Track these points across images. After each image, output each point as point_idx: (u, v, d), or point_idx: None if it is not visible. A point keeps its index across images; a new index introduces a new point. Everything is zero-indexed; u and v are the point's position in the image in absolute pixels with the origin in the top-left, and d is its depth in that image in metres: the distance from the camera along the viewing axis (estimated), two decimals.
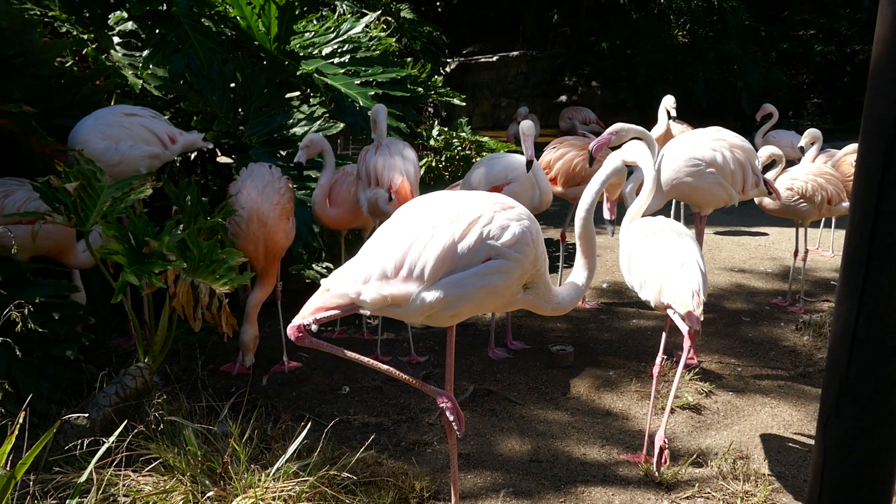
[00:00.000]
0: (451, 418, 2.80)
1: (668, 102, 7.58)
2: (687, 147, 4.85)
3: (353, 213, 5.02)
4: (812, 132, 6.91)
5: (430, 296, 2.62)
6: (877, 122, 1.82)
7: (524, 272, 2.76)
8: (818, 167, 6.03)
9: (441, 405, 2.81)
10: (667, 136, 7.60)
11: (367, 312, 2.75)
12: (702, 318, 3.57)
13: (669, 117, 7.62)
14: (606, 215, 4.11)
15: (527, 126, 4.82)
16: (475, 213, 2.67)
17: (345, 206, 5.01)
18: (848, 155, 6.78)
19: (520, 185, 4.91)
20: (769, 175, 5.55)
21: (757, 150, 5.34)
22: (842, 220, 7.29)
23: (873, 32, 1.85)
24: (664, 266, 3.71)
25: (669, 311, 3.69)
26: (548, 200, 4.99)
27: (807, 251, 6.04)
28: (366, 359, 2.78)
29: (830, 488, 1.79)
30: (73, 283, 4.43)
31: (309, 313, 2.69)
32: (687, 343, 3.60)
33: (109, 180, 4.04)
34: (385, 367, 2.83)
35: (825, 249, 7.73)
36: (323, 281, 2.75)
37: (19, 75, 4.52)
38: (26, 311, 2.76)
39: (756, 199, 5.82)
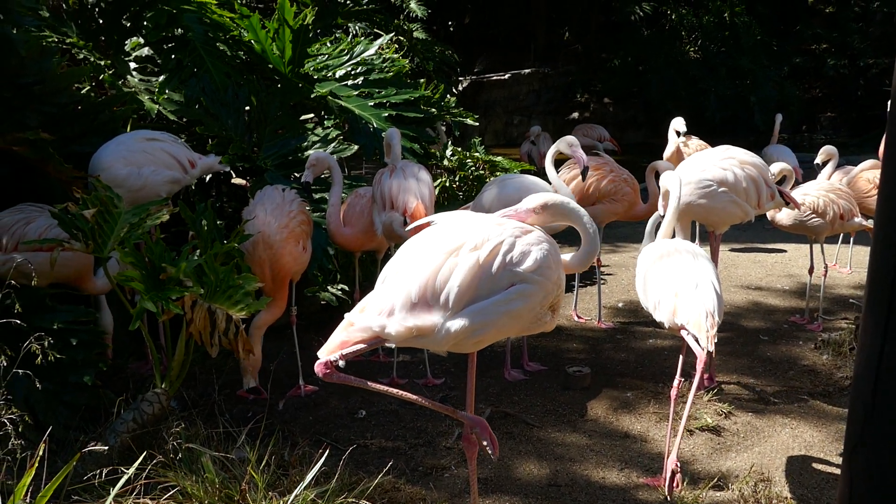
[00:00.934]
0: (485, 442, 2.78)
1: (677, 124, 7.61)
2: (697, 169, 4.83)
3: (368, 235, 5.03)
4: (828, 149, 6.87)
5: (456, 325, 2.62)
6: None
7: (547, 294, 2.76)
8: (830, 183, 6.01)
9: (474, 429, 2.80)
10: (678, 156, 7.61)
11: (393, 345, 2.75)
12: (715, 340, 3.55)
13: (679, 135, 7.63)
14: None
15: (571, 140, 5.01)
16: (497, 240, 2.67)
17: (359, 228, 5.01)
18: (864, 171, 6.74)
19: None
20: None
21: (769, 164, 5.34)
22: (860, 236, 7.24)
23: (886, 46, 1.83)
24: (678, 287, 3.70)
25: (683, 333, 3.67)
26: None
27: (826, 267, 5.99)
28: (395, 391, 2.78)
29: None
30: (100, 307, 4.45)
31: (335, 348, 2.67)
32: (700, 365, 3.58)
33: (128, 206, 4.06)
34: (414, 397, 2.82)
35: (843, 266, 7.67)
36: (347, 315, 2.74)
37: (38, 103, 4.55)
38: (46, 343, 2.76)
39: (769, 216, 5.80)
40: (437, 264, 2.65)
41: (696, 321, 3.57)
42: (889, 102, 1.84)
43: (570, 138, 5.01)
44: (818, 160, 6.91)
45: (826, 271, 5.99)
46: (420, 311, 2.62)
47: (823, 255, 5.97)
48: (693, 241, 7.38)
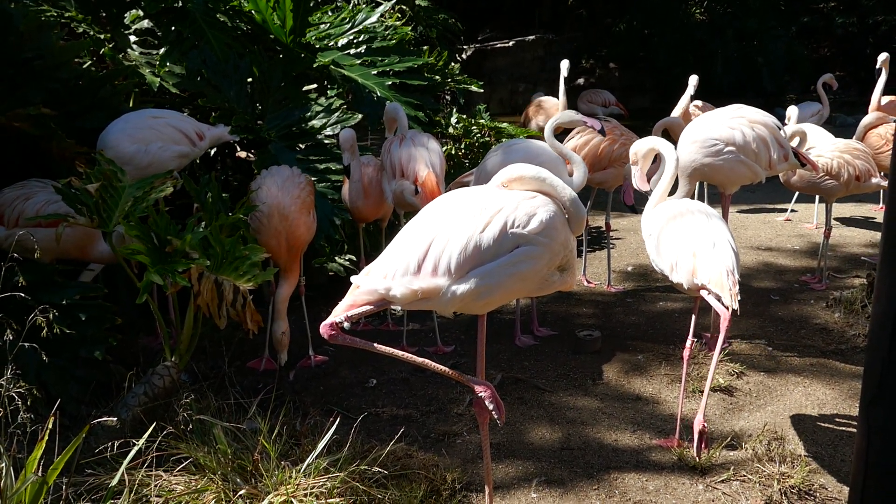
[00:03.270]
0: (491, 407, 2.77)
1: (692, 82, 7.49)
2: (704, 128, 4.76)
3: (378, 205, 5.02)
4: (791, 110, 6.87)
5: (461, 288, 2.61)
6: None
7: (554, 255, 2.74)
8: (846, 143, 5.90)
9: (480, 394, 2.78)
10: (685, 116, 7.51)
11: (398, 308, 2.74)
12: (739, 298, 3.50)
13: (692, 98, 7.53)
14: (628, 201, 4.29)
15: (570, 112, 5.01)
16: (498, 205, 2.66)
17: (373, 198, 5.01)
18: (874, 127, 6.65)
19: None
20: None
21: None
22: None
23: (895, 3, 1.78)
24: (696, 246, 3.64)
25: (703, 293, 3.62)
26: (581, 185, 4.85)
27: (830, 227, 5.91)
28: (400, 353, 2.76)
29: (876, 473, 1.74)
30: (82, 279, 4.44)
31: (341, 311, 2.67)
32: (724, 324, 3.52)
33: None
34: (420, 360, 2.80)
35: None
36: (353, 278, 2.74)
37: (38, 78, 4.51)
38: (51, 315, 2.75)
39: (781, 177, 5.73)
40: (437, 230, 2.65)
41: (717, 280, 3.51)
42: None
43: (570, 111, 4.99)
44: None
45: (830, 231, 5.91)
46: (424, 274, 2.61)
47: (829, 216, 5.90)
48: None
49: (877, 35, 15.82)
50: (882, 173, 5.89)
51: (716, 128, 4.72)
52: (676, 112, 7.55)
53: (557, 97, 8.90)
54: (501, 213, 2.64)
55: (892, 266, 1.72)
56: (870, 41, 16.07)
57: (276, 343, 4.50)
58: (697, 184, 7.61)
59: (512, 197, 2.71)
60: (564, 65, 8.67)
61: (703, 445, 3.64)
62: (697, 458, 3.63)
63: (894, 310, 1.73)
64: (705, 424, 3.63)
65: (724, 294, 3.48)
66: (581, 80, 16.37)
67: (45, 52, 4.55)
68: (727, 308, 3.47)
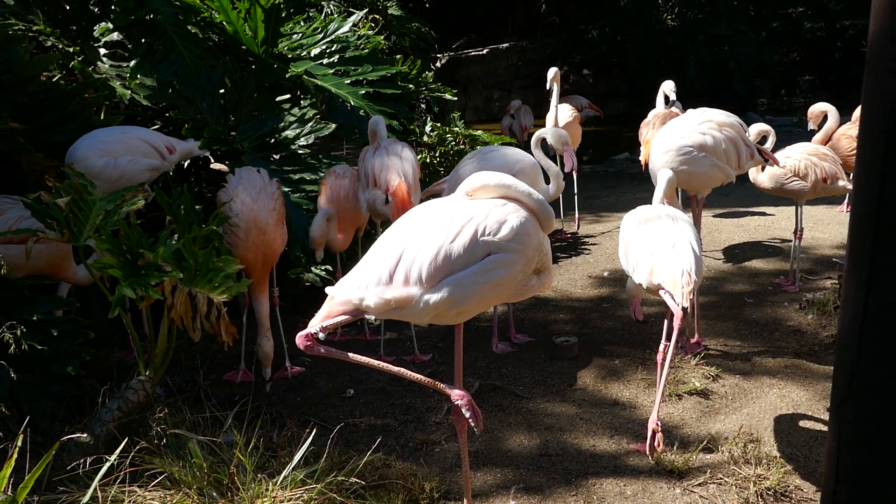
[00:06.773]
0: (468, 415, 2.76)
1: (668, 87, 7.47)
2: (675, 136, 4.81)
3: (354, 214, 4.99)
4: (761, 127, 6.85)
5: (434, 297, 2.60)
6: (878, 95, 1.77)
7: (528, 261, 2.75)
8: (814, 146, 5.98)
9: (457, 402, 2.78)
10: (664, 121, 7.52)
11: (373, 317, 2.73)
12: (691, 297, 3.58)
13: (668, 102, 7.51)
14: (639, 316, 4.35)
15: (564, 136, 5.01)
16: (469, 214, 2.66)
17: (344, 207, 4.99)
18: (846, 129, 6.72)
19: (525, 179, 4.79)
20: None
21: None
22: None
23: (863, 7, 1.80)
24: (656, 248, 3.77)
25: (662, 292, 3.70)
26: (556, 195, 4.93)
27: (802, 229, 5.97)
28: (376, 362, 2.76)
29: (847, 473, 1.76)
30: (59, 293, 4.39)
31: (317, 322, 2.67)
32: (677, 323, 3.61)
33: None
34: (396, 369, 2.80)
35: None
36: (328, 289, 2.73)
37: (6, 92, 4.47)
38: (19, 331, 2.71)
39: (751, 177, 5.79)
40: (408, 240, 2.65)
41: (671, 279, 3.62)
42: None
43: (563, 134, 5.02)
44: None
45: (802, 233, 5.97)
46: (396, 284, 2.61)
47: (800, 218, 5.96)
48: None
49: (845, 39, 16.03)
50: (850, 175, 5.96)
51: (687, 135, 4.77)
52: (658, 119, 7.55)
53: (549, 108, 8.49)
54: (472, 222, 2.64)
55: (857, 268, 1.74)
56: (838, 45, 16.29)
57: (264, 358, 4.46)
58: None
59: (483, 205, 2.71)
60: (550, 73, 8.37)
61: (656, 444, 3.70)
62: (650, 457, 3.70)
63: (861, 311, 1.74)
64: (659, 424, 3.69)
65: (675, 293, 3.56)
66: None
67: (13, 66, 4.51)
68: (678, 305, 3.54)
